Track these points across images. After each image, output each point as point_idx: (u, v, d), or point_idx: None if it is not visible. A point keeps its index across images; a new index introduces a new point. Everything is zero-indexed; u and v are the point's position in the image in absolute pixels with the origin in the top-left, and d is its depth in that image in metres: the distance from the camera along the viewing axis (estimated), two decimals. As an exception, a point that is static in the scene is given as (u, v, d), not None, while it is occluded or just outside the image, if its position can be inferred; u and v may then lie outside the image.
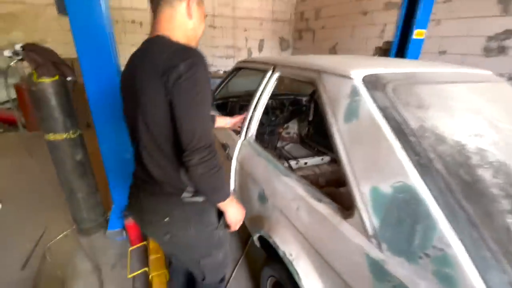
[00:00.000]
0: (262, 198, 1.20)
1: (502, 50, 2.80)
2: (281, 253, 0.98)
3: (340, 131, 0.85)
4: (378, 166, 0.73)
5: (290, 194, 1.02)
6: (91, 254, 1.89)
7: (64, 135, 1.75)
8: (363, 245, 0.72)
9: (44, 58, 1.72)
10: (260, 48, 5.99)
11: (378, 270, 0.67)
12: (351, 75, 0.89)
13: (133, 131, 0.85)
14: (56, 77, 1.72)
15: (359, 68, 0.93)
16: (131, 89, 0.80)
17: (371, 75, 0.91)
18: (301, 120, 2.85)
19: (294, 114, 2.73)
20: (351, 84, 0.88)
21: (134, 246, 1.86)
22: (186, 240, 0.89)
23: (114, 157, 1.93)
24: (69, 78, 1.83)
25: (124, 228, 1.96)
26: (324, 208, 0.87)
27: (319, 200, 0.90)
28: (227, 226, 0.96)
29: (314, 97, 2.65)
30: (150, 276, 1.58)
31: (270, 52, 6.08)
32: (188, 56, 0.71)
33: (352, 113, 0.84)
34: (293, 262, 0.92)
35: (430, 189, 0.64)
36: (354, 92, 0.86)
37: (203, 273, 1.03)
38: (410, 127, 0.75)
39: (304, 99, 2.72)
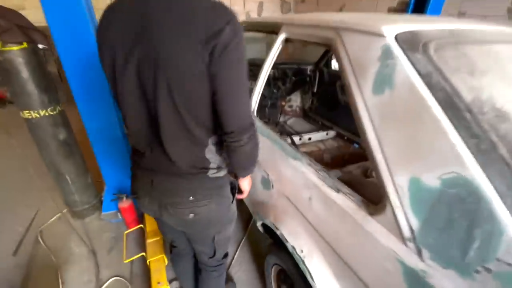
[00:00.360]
0: (266, 183, 1.06)
1: (530, 11, 2.49)
2: (290, 248, 0.86)
3: (367, 105, 0.67)
4: (420, 151, 0.56)
5: (301, 181, 0.86)
6: (86, 237, 1.81)
7: (42, 112, 1.56)
8: (396, 250, 0.58)
9: (9, 22, 1.47)
10: (259, 12, 5.51)
11: (416, 282, 0.54)
12: (383, 32, 0.69)
13: (145, 112, 0.68)
14: (25, 45, 1.48)
15: (391, 24, 0.73)
16: (144, 58, 0.60)
17: (407, 32, 0.71)
18: (304, 92, 2.65)
19: (297, 86, 2.51)
20: (382, 44, 0.68)
21: (130, 229, 1.76)
22: (209, 216, 0.83)
23: (101, 135, 1.75)
24: (40, 46, 1.59)
25: (119, 210, 1.86)
26: (344, 200, 0.71)
27: (337, 190, 0.74)
28: (239, 191, 0.94)
29: (320, 66, 2.42)
30: (147, 261, 1.50)
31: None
32: (230, 17, 0.59)
33: (383, 81, 0.65)
34: (304, 259, 0.80)
35: (494, 183, 0.48)
36: (387, 54, 0.67)
37: (214, 249, 0.99)
38: (463, 99, 0.57)
39: (309, 68, 2.48)
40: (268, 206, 1.05)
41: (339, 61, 0.79)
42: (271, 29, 1.23)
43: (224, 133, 0.68)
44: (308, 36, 0.98)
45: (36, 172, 2.40)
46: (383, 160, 0.61)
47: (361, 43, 0.74)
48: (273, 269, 1.19)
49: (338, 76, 2.25)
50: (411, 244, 0.56)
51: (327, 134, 2.28)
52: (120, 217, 1.90)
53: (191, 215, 0.79)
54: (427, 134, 0.56)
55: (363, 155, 2.06)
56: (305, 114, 2.66)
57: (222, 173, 0.80)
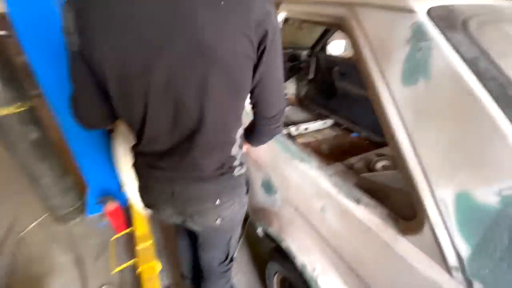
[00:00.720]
0: (268, 187, 0.94)
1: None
2: (299, 265, 0.75)
3: (395, 99, 0.55)
4: (470, 158, 0.45)
5: (311, 188, 0.75)
6: (71, 244, 1.67)
7: (6, 110, 1.36)
8: (438, 279, 0.47)
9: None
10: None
11: (466, 321, 0.44)
12: (413, 7, 0.56)
13: (172, 114, 0.57)
14: (-20, 31, 1.27)
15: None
16: (184, 50, 0.48)
17: (441, 6, 0.58)
18: (299, 79, 2.50)
19: (292, 72, 2.37)
20: (412, 22, 0.55)
21: (118, 235, 1.63)
22: (233, 217, 0.79)
23: (78, 131, 1.57)
24: (0, 32, 1.38)
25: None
26: (366, 214, 0.60)
27: (357, 201, 0.63)
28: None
29: (315, 51, 2.26)
30: (139, 269, 1.39)
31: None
32: None
33: (416, 69, 0.53)
34: (317, 279, 0.70)
35: None
36: (419, 34, 0.54)
37: (226, 253, 0.95)
38: (520, 91, 0.45)
39: (304, 53, 2.32)
40: (271, 214, 0.94)
41: (354, 44, 0.66)
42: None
43: (263, 118, 0.67)
44: (313, 15, 0.83)
45: (8, 174, 2.20)
46: (419, 168, 0.50)
47: (384, 21, 0.60)
48: (275, 277, 1.09)
49: (335, 62, 2.11)
50: (458, 275, 0.45)
51: (324, 123, 2.18)
52: (107, 220, 1.76)
53: (219, 220, 0.74)
54: (480, 136, 0.44)
55: (363, 145, 1.96)
56: (301, 102, 2.54)
57: (244, 168, 0.76)
